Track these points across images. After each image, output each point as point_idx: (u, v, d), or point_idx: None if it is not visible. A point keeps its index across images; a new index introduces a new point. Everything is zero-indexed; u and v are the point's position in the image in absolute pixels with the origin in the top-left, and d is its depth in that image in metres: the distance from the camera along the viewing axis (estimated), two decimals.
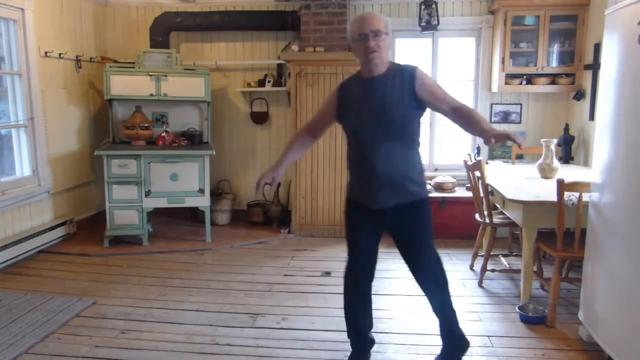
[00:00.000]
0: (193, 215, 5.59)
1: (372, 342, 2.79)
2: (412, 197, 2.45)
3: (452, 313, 2.65)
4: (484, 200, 3.77)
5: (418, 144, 2.48)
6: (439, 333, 2.69)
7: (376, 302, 3.49)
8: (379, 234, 2.60)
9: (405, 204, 2.46)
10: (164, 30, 5.28)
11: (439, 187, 5.05)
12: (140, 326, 3.14)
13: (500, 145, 2.22)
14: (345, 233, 2.68)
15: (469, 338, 2.97)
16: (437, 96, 2.35)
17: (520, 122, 5.28)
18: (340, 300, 3.53)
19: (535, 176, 3.91)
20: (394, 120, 2.36)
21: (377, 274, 3.99)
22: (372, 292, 3.66)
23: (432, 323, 3.10)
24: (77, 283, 3.85)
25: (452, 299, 2.64)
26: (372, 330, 3.01)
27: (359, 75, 2.48)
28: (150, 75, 4.86)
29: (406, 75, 2.36)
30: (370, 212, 2.50)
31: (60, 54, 4.72)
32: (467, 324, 3.16)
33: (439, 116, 5.37)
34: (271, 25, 5.34)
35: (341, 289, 3.74)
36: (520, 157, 5.14)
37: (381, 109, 2.36)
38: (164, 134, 4.96)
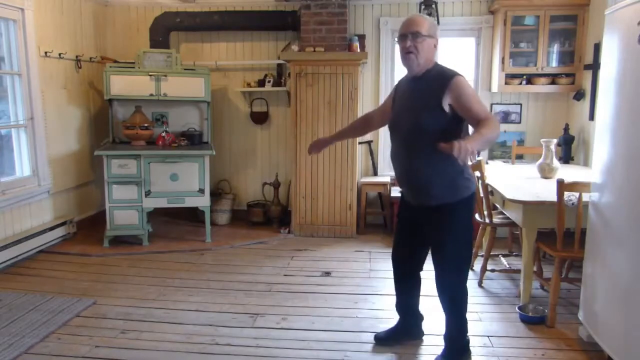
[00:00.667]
0: (193, 215, 5.59)
1: (413, 319, 2.93)
2: (434, 200, 2.46)
3: (456, 327, 2.65)
4: (484, 200, 3.77)
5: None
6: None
7: (376, 302, 3.52)
8: (414, 228, 2.67)
9: (430, 206, 2.48)
10: (164, 30, 5.28)
11: None
12: (140, 326, 3.14)
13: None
14: None
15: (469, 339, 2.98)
16: (466, 108, 2.31)
17: (520, 122, 5.28)
18: (339, 301, 3.55)
19: (535, 176, 3.91)
20: (417, 124, 2.39)
21: (375, 274, 4.06)
22: (373, 292, 3.69)
23: (432, 323, 3.11)
24: (77, 283, 3.85)
25: (464, 315, 2.64)
26: (373, 330, 3.04)
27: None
28: (150, 75, 4.86)
29: (441, 82, 2.35)
30: (408, 204, 2.66)
31: (60, 54, 4.72)
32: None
33: None
34: (271, 25, 5.34)
35: (341, 289, 3.76)
36: (520, 157, 5.15)
37: (409, 111, 2.46)
38: (164, 134, 4.96)
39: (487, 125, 2.17)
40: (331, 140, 2.98)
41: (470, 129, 2.41)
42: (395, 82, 2.76)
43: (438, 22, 4.97)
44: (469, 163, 2.06)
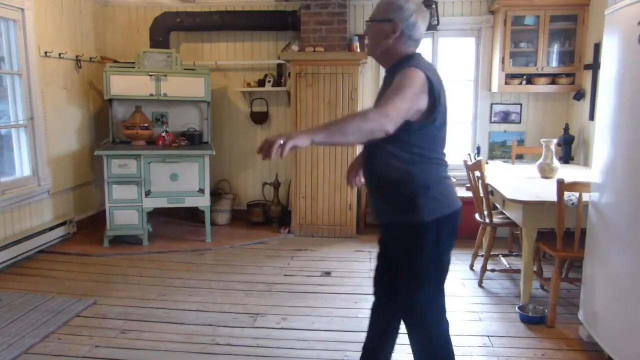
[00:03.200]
0: (193, 215, 5.59)
1: None
2: (390, 217, 2.03)
3: None
4: (484, 200, 3.77)
5: (416, 154, 1.92)
6: None
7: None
8: (382, 248, 2.25)
9: (389, 224, 2.07)
10: (164, 30, 5.28)
11: None
12: (140, 326, 3.14)
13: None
14: None
15: (469, 338, 2.99)
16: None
17: (520, 122, 5.29)
18: (340, 301, 3.55)
19: (535, 176, 3.91)
20: None
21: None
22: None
23: None
24: (77, 283, 3.85)
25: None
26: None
27: None
28: (150, 75, 4.85)
29: (394, 77, 1.90)
30: None
31: (60, 54, 4.72)
32: (467, 324, 3.17)
33: None
34: (271, 25, 5.34)
35: (341, 289, 3.76)
36: (520, 157, 5.15)
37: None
38: (164, 134, 4.96)
39: (347, 116, 1.77)
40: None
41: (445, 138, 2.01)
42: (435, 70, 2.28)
43: (438, 22, 4.97)
44: (276, 156, 1.59)
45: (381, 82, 5.52)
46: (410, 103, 1.79)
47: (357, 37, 4.97)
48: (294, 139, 1.58)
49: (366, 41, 2.11)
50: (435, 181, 1.98)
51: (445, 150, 2.04)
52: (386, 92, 1.85)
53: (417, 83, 1.81)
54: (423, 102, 1.84)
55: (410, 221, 1.94)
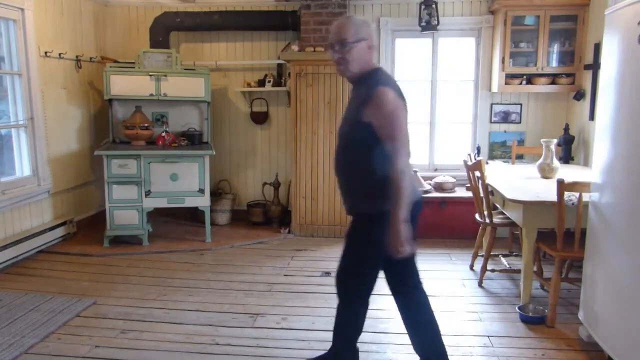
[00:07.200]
0: (193, 215, 5.59)
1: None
2: (353, 208, 2.38)
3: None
4: (484, 200, 3.77)
5: (377, 160, 2.17)
6: None
7: (376, 302, 3.51)
8: None
9: (353, 215, 2.41)
10: (164, 30, 5.28)
11: (439, 187, 5.05)
12: (140, 326, 3.14)
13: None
14: None
15: (469, 338, 2.98)
16: (379, 130, 2.13)
17: (520, 122, 5.29)
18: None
19: (535, 176, 3.91)
20: (347, 131, 2.29)
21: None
22: (372, 292, 3.68)
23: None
24: (77, 283, 3.85)
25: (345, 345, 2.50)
26: (373, 330, 3.06)
27: None
28: (150, 75, 4.86)
29: (367, 93, 2.16)
30: None
31: (60, 54, 4.72)
32: (467, 324, 3.17)
33: (438, 116, 5.43)
34: (271, 25, 5.34)
35: None
36: (520, 157, 5.15)
37: (345, 120, 2.36)
38: (164, 134, 4.96)
39: (393, 192, 2.10)
40: None
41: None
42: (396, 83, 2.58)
43: (438, 22, 4.97)
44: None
45: None
46: (404, 124, 2.18)
47: None
48: (403, 236, 2.13)
49: (342, 64, 2.23)
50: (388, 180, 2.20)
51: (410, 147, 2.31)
52: (376, 124, 2.13)
53: (393, 103, 2.12)
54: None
55: (372, 211, 2.26)
